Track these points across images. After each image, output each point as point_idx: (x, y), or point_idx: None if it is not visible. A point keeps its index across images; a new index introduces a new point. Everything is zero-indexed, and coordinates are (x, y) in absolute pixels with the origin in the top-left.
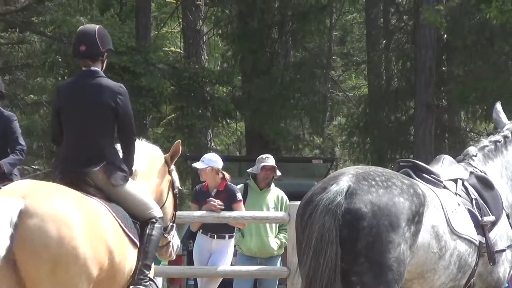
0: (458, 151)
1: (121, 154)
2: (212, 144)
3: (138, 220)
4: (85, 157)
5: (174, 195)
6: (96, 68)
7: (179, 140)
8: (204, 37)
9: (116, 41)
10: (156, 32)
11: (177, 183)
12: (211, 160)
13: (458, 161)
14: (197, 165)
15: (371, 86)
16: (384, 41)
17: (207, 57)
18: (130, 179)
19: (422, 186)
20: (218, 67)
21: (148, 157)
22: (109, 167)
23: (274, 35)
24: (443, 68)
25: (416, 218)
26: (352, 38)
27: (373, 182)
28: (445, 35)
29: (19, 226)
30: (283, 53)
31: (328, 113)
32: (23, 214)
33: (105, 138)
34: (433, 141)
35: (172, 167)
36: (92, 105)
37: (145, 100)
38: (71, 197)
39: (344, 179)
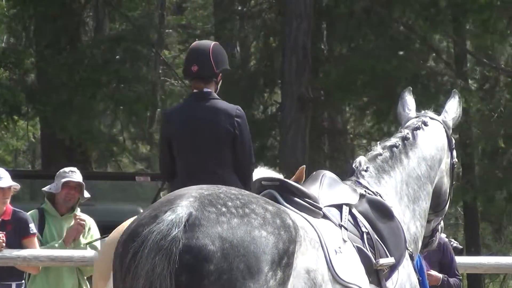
0: (343, 164)
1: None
2: None
3: None
4: None
5: None
6: (208, 90)
7: (304, 166)
8: None
9: None
10: None
11: None
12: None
13: (344, 179)
14: None
15: None
16: (240, 7)
17: None
18: None
19: (293, 215)
20: (2, 43)
21: None
22: None
23: None
24: (322, 47)
25: (284, 260)
26: (194, 3)
27: (224, 209)
28: None
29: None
30: (94, 23)
31: (158, 109)
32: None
33: (223, 168)
34: (307, 150)
35: None
36: (207, 131)
37: None
38: None
39: (183, 204)
